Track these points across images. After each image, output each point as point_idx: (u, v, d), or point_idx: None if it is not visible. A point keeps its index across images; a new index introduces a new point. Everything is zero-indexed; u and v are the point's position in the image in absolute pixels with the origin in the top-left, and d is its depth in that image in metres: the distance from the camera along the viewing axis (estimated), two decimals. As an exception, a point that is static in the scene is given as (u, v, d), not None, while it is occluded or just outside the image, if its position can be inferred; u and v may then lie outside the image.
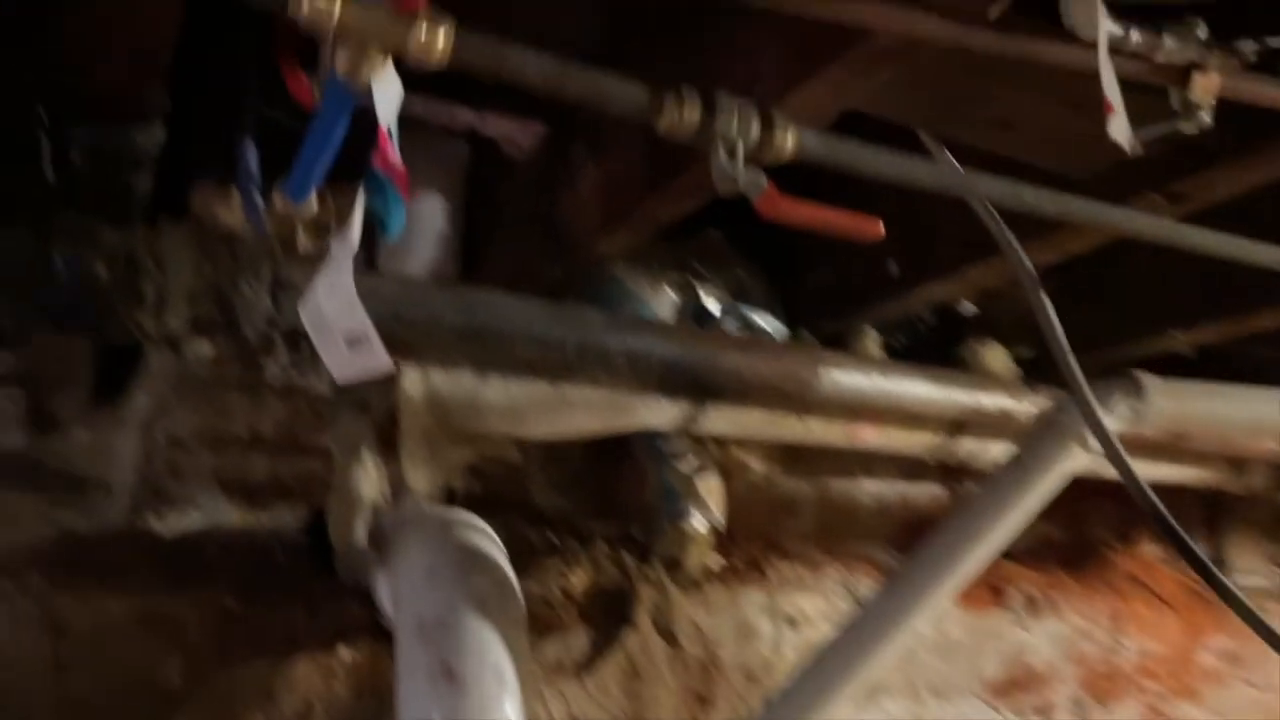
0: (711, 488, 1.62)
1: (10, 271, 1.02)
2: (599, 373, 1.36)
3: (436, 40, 0.64)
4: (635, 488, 1.70)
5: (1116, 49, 0.86)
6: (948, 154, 1.04)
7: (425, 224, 1.70)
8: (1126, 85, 0.88)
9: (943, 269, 1.56)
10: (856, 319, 1.77)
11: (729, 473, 1.68)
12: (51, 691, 1.18)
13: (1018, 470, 1.33)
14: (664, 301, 1.65)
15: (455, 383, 1.32)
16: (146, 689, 1.21)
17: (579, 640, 1.52)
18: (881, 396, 1.55)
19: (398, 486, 1.31)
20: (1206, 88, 0.89)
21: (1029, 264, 1.11)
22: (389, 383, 1.25)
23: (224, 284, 1.09)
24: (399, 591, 1.23)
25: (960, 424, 1.67)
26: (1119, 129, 0.88)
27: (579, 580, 1.55)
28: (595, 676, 1.51)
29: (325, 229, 0.92)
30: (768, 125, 0.75)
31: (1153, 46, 0.87)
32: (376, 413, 1.24)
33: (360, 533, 1.25)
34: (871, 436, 1.64)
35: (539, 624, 1.51)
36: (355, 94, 0.68)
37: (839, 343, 1.75)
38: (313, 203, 0.89)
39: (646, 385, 1.44)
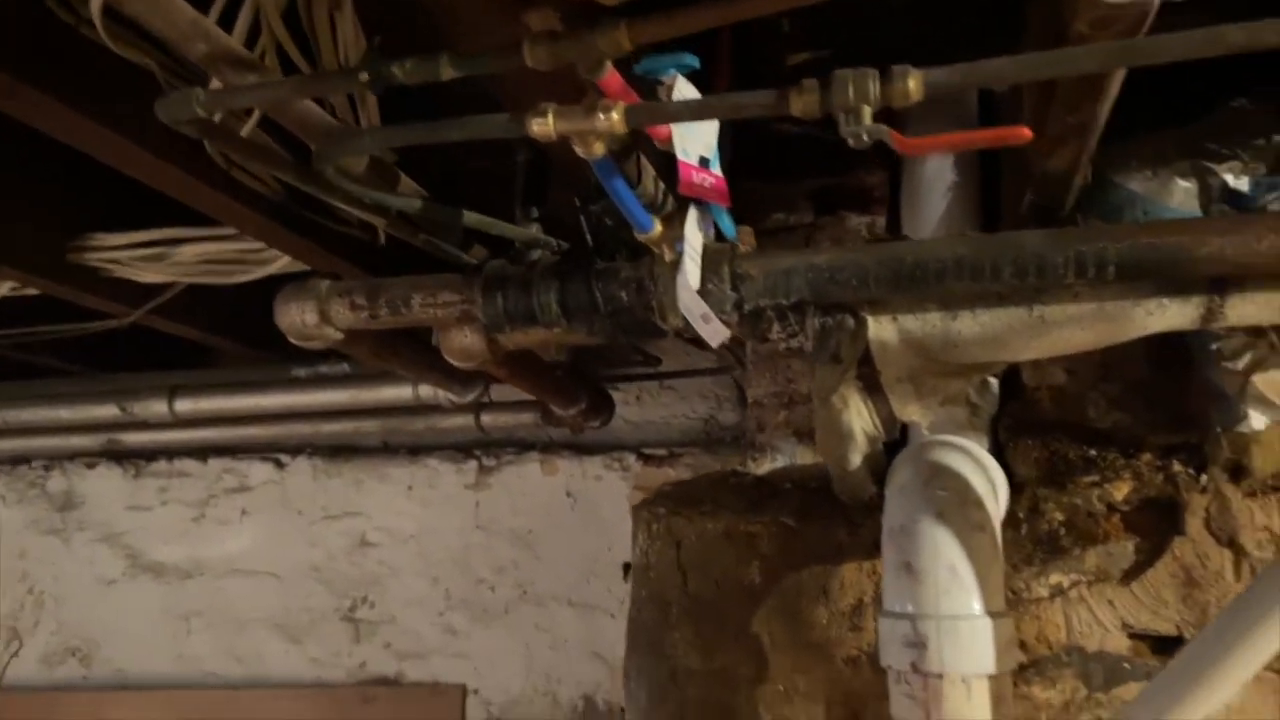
0: (1274, 381, 1.48)
1: (579, 308, 1.54)
2: (1056, 289, 1.40)
3: (613, 118, 0.94)
4: (1198, 394, 1.61)
5: None
6: None
7: (937, 179, 1.86)
8: None
9: None
10: None
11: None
12: (680, 586, 1.69)
13: None
14: (1174, 194, 1.55)
15: (924, 323, 1.50)
16: (737, 586, 1.65)
17: (1123, 549, 1.53)
18: None
19: (890, 422, 1.54)
20: None
21: None
22: (857, 335, 1.50)
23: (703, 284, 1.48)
24: (885, 505, 1.47)
25: None
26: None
27: (1120, 492, 1.56)
28: (1144, 584, 1.50)
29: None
30: (887, 79, 0.86)
31: None
32: (847, 362, 1.49)
33: (855, 461, 1.52)
34: None
35: (1080, 535, 1.57)
36: (601, 163, 1.01)
37: None
38: (658, 228, 1.22)
39: (1135, 291, 1.42)
